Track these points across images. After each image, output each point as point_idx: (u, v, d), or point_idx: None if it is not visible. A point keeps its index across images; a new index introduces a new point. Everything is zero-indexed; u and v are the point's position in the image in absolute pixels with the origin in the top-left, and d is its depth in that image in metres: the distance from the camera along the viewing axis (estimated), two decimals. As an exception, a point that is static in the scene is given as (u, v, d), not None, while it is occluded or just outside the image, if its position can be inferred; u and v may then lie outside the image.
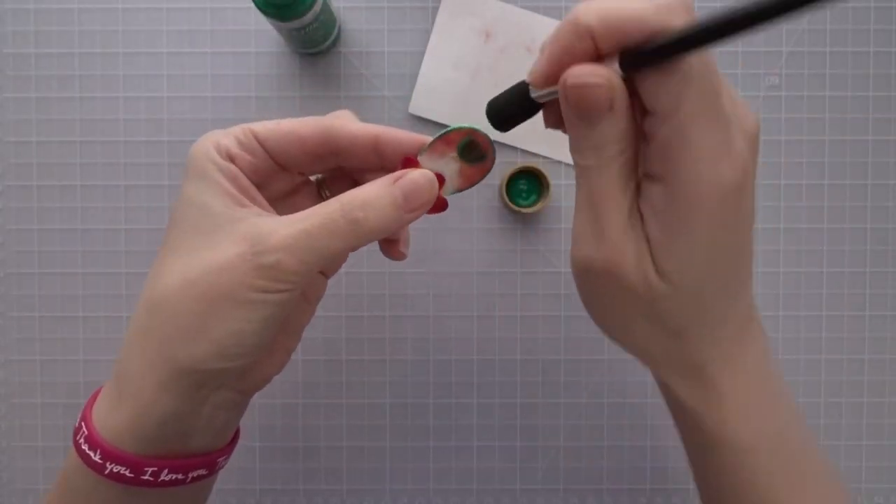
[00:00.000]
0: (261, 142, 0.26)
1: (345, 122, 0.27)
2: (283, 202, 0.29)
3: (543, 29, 0.40)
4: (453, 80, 0.40)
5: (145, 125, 0.41)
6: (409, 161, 0.27)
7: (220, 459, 0.27)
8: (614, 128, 0.23)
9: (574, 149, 0.24)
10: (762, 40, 0.41)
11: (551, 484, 0.42)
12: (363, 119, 0.29)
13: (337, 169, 0.29)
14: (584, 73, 0.22)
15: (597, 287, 0.25)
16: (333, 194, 0.28)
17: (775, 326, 0.41)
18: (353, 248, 0.25)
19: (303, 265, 0.24)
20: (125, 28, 0.41)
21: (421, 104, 0.41)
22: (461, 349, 0.41)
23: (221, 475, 0.41)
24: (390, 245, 0.29)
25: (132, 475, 0.24)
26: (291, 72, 0.41)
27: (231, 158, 0.26)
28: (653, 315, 0.24)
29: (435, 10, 0.41)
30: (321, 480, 0.42)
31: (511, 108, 0.27)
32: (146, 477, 0.25)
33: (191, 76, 0.41)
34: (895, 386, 0.41)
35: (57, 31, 0.41)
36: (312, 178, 0.31)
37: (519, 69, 0.39)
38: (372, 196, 0.25)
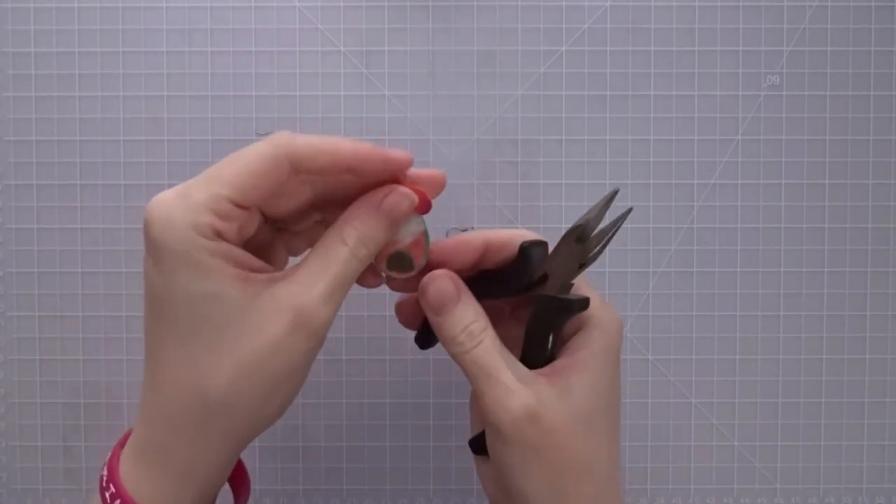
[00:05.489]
0: (235, 203, 0.25)
1: (306, 146, 0.25)
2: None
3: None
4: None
5: (145, 124, 0.41)
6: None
7: None
8: (470, 308, 0.28)
9: (450, 342, 0.28)
10: (763, 39, 0.41)
11: (552, 484, 0.41)
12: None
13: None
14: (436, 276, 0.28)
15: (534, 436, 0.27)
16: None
17: (776, 326, 0.41)
18: None
19: (337, 309, 0.26)
20: (125, 27, 0.41)
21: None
22: (461, 349, 0.41)
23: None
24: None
25: None
26: (291, 71, 0.41)
27: (219, 234, 0.25)
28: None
29: (435, 9, 0.41)
30: (321, 480, 0.42)
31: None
32: None
33: (190, 75, 0.41)
34: (896, 386, 0.41)
35: (56, 30, 0.41)
36: None
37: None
38: (368, 228, 0.27)
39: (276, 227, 0.30)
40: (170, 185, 0.40)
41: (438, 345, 0.30)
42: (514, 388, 0.27)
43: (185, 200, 0.24)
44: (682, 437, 0.41)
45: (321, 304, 0.25)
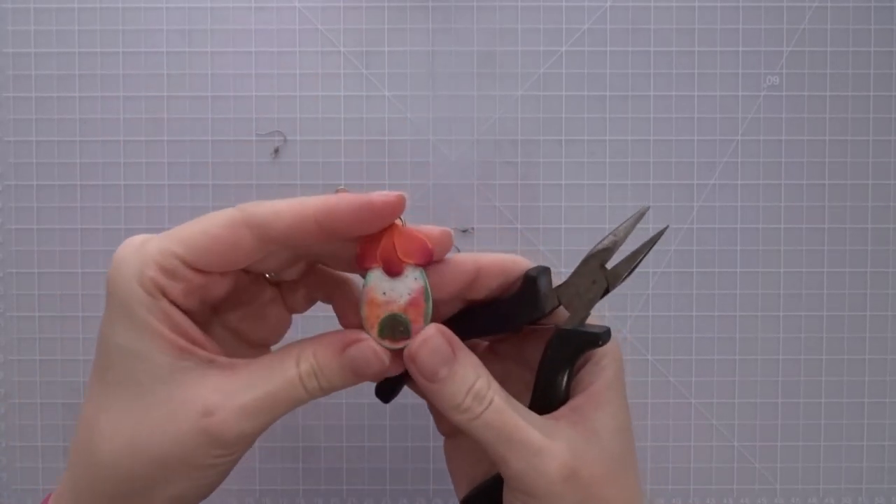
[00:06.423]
0: (187, 263, 0.23)
1: (267, 209, 0.23)
2: (248, 310, 0.28)
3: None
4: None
5: (145, 125, 0.41)
6: (364, 252, 0.24)
7: None
8: (469, 365, 0.24)
9: (453, 410, 0.24)
10: (763, 40, 0.41)
11: (552, 484, 0.41)
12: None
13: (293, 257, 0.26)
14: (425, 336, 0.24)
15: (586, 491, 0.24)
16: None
17: (776, 326, 0.41)
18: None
19: (261, 427, 0.23)
20: (125, 27, 0.41)
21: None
22: (461, 349, 0.41)
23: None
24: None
25: None
26: (291, 72, 0.41)
27: (161, 291, 0.23)
28: None
29: (435, 9, 0.41)
30: (321, 480, 0.42)
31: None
32: None
33: (190, 76, 0.41)
34: (896, 386, 0.41)
35: (56, 31, 0.41)
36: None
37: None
38: (325, 363, 0.24)
39: (274, 282, 0.28)
40: (170, 186, 0.41)
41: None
42: (543, 446, 0.23)
43: (142, 249, 0.23)
44: (682, 438, 0.41)
45: (239, 416, 0.22)
